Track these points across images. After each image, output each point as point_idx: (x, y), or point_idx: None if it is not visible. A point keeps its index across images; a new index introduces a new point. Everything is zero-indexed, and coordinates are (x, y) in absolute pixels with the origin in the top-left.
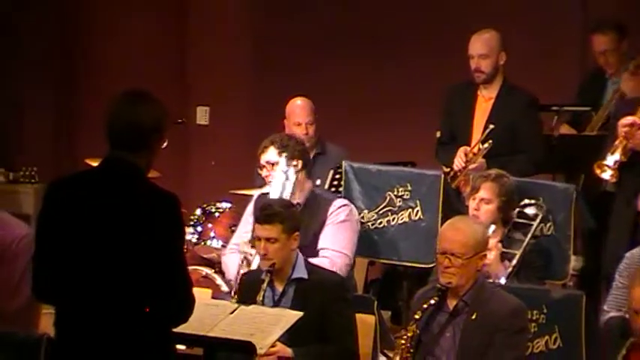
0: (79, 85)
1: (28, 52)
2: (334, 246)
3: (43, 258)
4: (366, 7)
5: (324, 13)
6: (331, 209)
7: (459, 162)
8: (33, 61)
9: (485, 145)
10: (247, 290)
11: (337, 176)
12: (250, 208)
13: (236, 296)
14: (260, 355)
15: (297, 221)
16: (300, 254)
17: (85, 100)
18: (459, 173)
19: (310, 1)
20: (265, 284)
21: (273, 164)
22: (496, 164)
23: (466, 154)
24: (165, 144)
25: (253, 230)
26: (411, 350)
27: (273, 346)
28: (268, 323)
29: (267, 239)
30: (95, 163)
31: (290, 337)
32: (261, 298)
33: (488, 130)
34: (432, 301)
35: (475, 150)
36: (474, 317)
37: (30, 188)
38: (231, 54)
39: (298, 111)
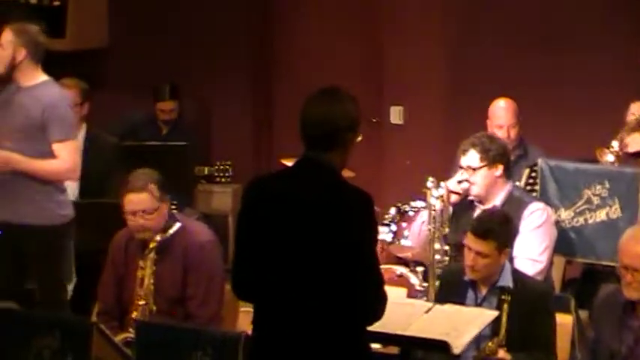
0: (275, 83)
1: (228, 52)
2: (528, 253)
3: (242, 257)
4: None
5: (521, 8)
6: (526, 213)
7: None
8: (232, 59)
9: None
10: (447, 289)
11: (533, 174)
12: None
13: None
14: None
15: (510, 237)
16: (507, 261)
17: (281, 98)
18: None
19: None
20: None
21: (474, 169)
22: None
23: None
24: (359, 138)
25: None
26: None
27: (496, 352)
28: (464, 322)
29: (478, 253)
30: (290, 163)
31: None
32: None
33: None
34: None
35: None
36: None
37: (227, 188)
38: (426, 53)
39: (500, 113)
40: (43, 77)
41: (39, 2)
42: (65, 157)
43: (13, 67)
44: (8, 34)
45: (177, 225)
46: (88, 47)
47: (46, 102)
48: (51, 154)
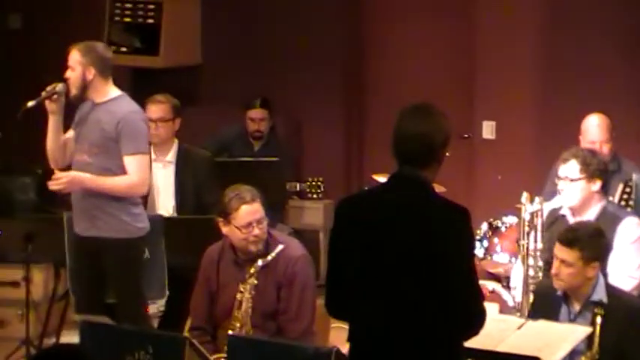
0: (367, 99)
1: (321, 68)
2: (623, 269)
3: (335, 274)
4: None
5: (610, 23)
6: (620, 228)
7: None
8: (325, 76)
9: None
10: (540, 305)
11: (627, 189)
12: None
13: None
14: None
15: (600, 251)
16: (601, 276)
17: (373, 114)
18: None
19: (597, 14)
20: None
21: (572, 180)
22: None
23: None
24: (447, 154)
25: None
26: None
27: None
28: (557, 339)
29: (562, 261)
30: (382, 179)
31: None
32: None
33: None
34: None
35: None
36: None
37: (319, 204)
38: (517, 68)
39: (593, 130)
40: (115, 92)
41: (134, 20)
42: (133, 171)
43: (85, 87)
44: (76, 55)
45: (280, 247)
46: (182, 64)
47: (120, 116)
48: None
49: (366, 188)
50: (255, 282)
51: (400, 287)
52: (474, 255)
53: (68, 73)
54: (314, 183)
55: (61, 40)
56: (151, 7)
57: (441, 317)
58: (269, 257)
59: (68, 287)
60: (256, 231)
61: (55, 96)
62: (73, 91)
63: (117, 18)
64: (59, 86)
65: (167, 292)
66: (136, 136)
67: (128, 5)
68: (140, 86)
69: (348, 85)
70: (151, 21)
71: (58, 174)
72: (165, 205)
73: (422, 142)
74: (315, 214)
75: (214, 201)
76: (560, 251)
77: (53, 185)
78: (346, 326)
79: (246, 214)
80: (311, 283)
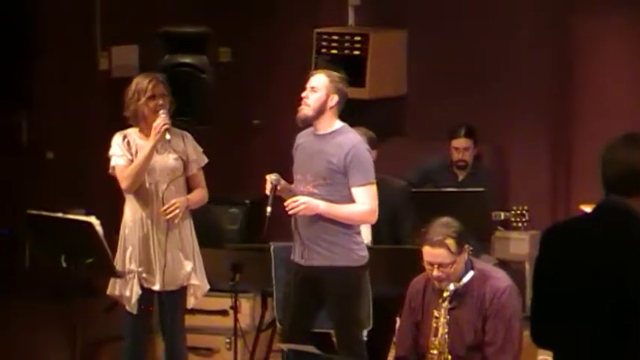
0: (574, 128)
1: (527, 97)
2: None
3: (542, 304)
4: None
5: None
6: None
7: None
8: (531, 104)
9: None
10: None
11: None
12: None
13: None
14: None
15: None
16: None
17: (580, 143)
18: None
19: None
20: None
21: None
22: None
23: None
24: None
25: None
26: None
27: None
28: None
29: None
30: (589, 209)
31: None
32: None
33: None
34: None
35: None
36: None
37: (524, 235)
38: None
39: None
40: (339, 123)
41: (340, 52)
42: (366, 200)
43: (321, 111)
44: (323, 78)
45: (471, 274)
46: (387, 95)
47: (347, 147)
48: (350, 198)
49: (574, 217)
50: (449, 305)
51: (608, 318)
52: None
53: (308, 94)
54: (519, 212)
55: (270, 72)
56: (357, 38)
57: None
58: (460, 283)
59: (275, 316)
60: (435, 272)
61: (278, 187)
62: (310, 113)
63: (323, 50)
64: (274, 178)
65: (371, 323)
66: (365, 166)
67: (334, 37)
68: (345, 117)
69: (555, 111)
70: (357, 52)
71: (294, 198)
72: (365, 234)
73: (630, 171)
74: (520, 244)
75: (409, 231)
76: None
77: (291, 209)
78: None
79: (426, 255)
80: (518, 315)
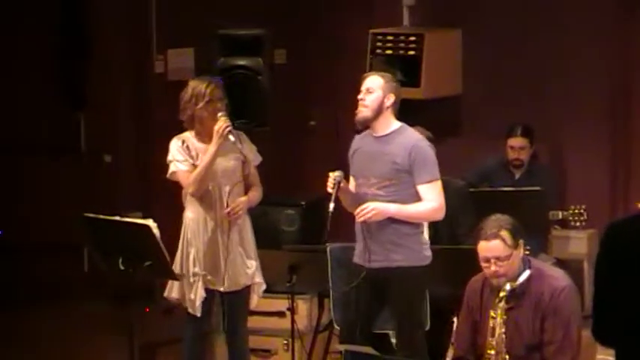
0: (633, 125)
1: (586, 94)
2: None
3: (603, 302)
4: None
5: None
6: None
7: None
8: (590, 101)
9: None
10: None
11: None
12: None
13: None
14: None
15: None
16: None
17: (637, 140)
18: None
19: None
20: None
21: None
22: None
23: None
24: None
25: None
26: None
27: None
28: None
29: None
30: None
31: None
32: None
33: None
34: None
35: None
36: None
37: (582, 233)
38: None
39: None
40: (397, 123)
41: (395, 52)
42: (433, 197)
43: (380, 112)
44: (378, 79)
45: (527, 273)
46: (442, 95)
47: (410, 146)
48: (416, 196)
49: (633, 214)
50: (506, 305)
51: None
52: None
53: (365, 96)
54: (577, 211)
55: (325, 74)
56: (412, 38)
57: None
58: (517, 282)
59: (332, 317)
60: (493, 267)
61: (341, 184)
62: (368, 114)
63: (378, 51)
64: (337, 175)
65: (429, 323)
66: (430, 163)
67: (390, 38)
68: (401, 118)
69: (614, 109)
70: (412, 53)
71: (362, 206)
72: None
73: None
74: (578, 243)
75: (467, 231)
76: None
77: (360, 217)
78: (611, 358)
79: (482, 250)
80: (577, 314)
